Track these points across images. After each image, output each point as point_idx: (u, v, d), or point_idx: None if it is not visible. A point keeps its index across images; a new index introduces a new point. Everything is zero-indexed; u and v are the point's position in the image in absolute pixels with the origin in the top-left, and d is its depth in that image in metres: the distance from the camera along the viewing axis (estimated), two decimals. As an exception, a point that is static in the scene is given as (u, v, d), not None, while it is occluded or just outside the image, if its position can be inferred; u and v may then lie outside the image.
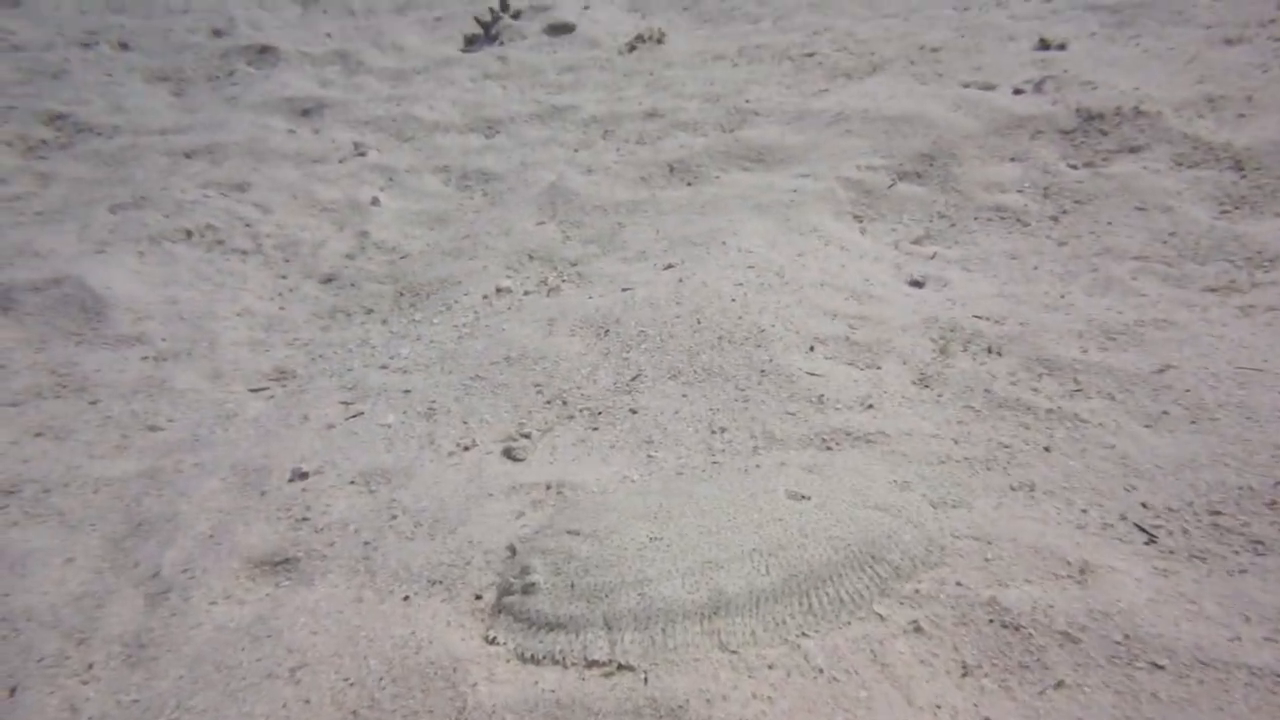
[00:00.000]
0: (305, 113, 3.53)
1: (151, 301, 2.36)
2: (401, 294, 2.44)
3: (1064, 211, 2.01)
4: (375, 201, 2.91)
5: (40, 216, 2.86)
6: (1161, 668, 1.01)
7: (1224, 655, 1.01)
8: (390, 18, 4.32)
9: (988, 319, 1.74)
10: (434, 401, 1.82)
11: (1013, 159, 2.22)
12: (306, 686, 1.13)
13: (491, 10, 3.96)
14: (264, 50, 4.01)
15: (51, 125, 3.50)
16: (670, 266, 2.15)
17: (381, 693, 1.11)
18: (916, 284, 1.98)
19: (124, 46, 4.12)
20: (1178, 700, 0.97)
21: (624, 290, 2.07)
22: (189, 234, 2.74)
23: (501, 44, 3.91)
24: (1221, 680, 0.98)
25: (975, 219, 2.11)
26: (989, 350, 1.65)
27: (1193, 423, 1.41)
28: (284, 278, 2.60)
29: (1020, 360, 1.58)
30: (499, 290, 2.32)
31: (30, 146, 3.39)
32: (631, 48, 3.60)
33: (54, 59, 3.97)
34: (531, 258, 2.43)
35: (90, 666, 1.26)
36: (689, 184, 2.67)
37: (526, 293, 2.27)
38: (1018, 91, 2.49)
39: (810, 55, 3.22)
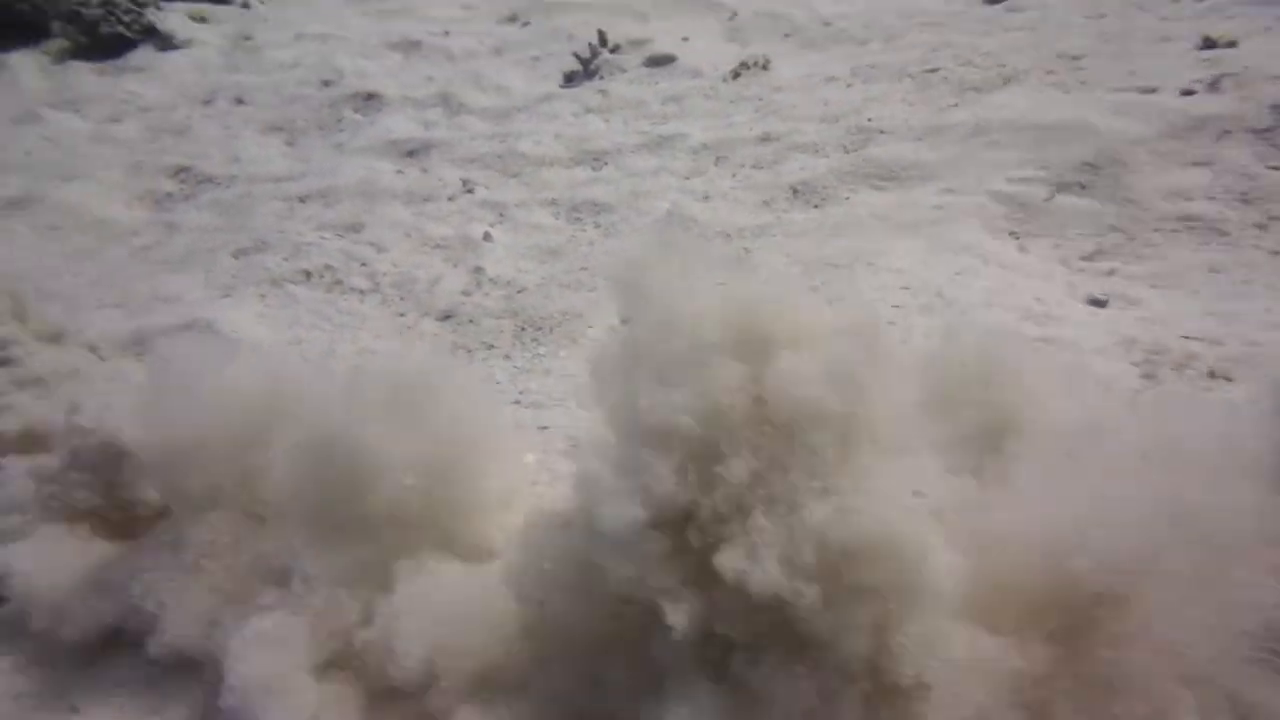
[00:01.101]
0: (412, 154, 3.56)
1: (277, 343, 2.34)
2: (522, 329, 2.36)
3: (1272, 218, 1.78)
4: (487, 237, 2.87)
5: (169, 264, 2.92)
6: None
7: None
8: (489, 59, 4.37)
9: (1202, 340, 1.52)
10: (575, 438, 1.71)
11: (1197, 164, 2.00)
12: None
13: (590, 46, 3.95)
14: (370, 97, 4.09)
15: (176, 178, 3.62)
16: (812, 289, 2.00)
17: None
18: (1098, 303, 1.78)
19: (240, 102, 4.27)
20: None
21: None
22: (308, 275, 2.74)
23: (601, 79, 3.89)
24: None
25: (1157, 231, 1.90)
26: (1212, 374, 1.44)
27: None
28: (402, 315, 2.56)
29: (1263, 385, 1.36)
30: (624, 321, 2.21)
31: (157, 199, 3.51)
32: (736, 75, 3.51)
33: (178, 117, 4.14)
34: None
35: None
36: (816, 206, 2.53)
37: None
38: (1187, 93, 2.27)
39: (933, 71, 3.05)
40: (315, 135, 3.94)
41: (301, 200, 3.32)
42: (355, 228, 3.01)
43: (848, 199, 2.48)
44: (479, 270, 2.72)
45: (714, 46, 3.94)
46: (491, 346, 2.31)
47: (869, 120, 2.86)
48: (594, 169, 3.20)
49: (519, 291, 2.55)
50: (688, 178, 2.93)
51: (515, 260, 2.75)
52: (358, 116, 4.00)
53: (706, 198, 2.69)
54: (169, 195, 3.54)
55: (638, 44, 4.03)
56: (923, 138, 2.63)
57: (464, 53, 4.45)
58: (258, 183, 3.51)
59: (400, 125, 3.81)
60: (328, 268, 2.76)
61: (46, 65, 4.79)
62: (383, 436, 1.24)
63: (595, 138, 3.37)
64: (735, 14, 4.18)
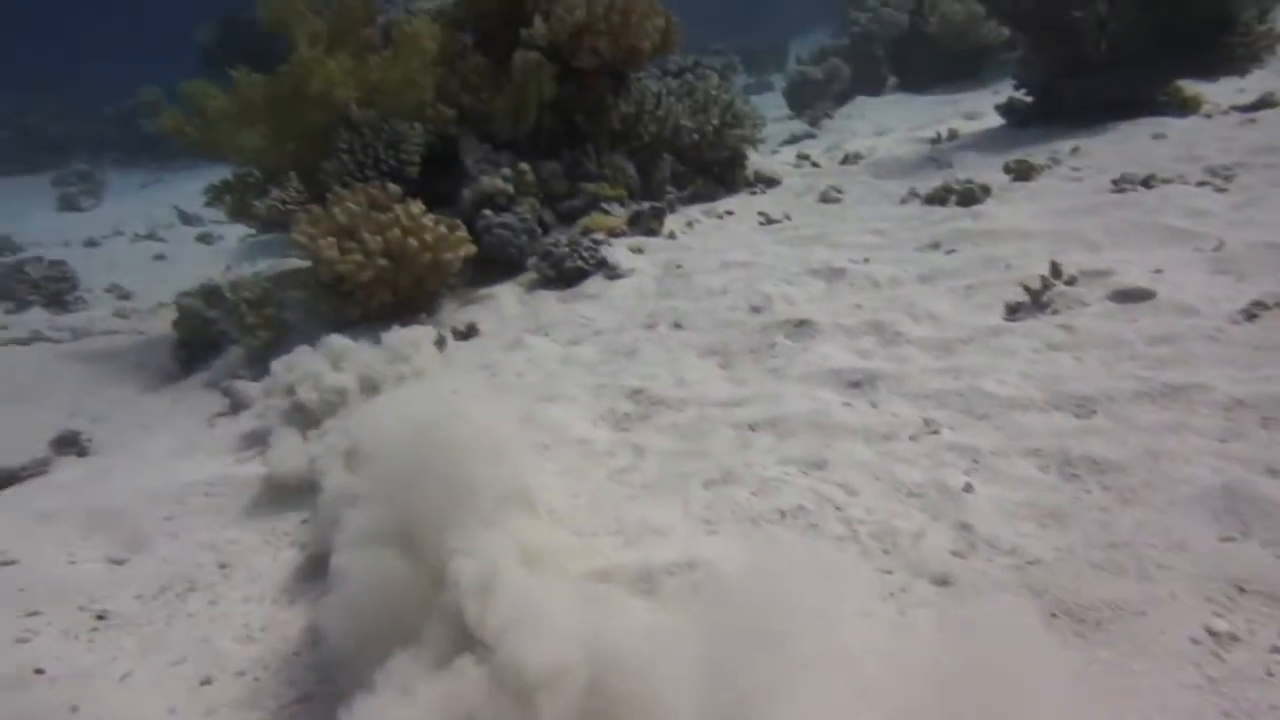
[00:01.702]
0: (855, 385, 3.57)
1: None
2: (1054, 615, 2.06)
3: None
4: (968, 488, 2.68)
5: (646, 489, 3.16)
6: None
7: None
8: (916, 287, 4.39)
9: None
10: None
11: None
12: None
13: (1041, 277, 3.77)
14: (800, 323, 4.28)
15: (633, 399, 4.03)
16: None
17: None
18: None
19: (677, 326, 4.74)
20: None
21: None
22: (783, 515, 2.75)
23: (1056, 312, 3.65)
24: None
25: None
26: None
27: None
28: (889, 573, 2.42)
29: None
30: (1214, 634, 1.81)
31: (618, 419, 3.91)
32: (1250, 316, 3.05)
33: (626, 340, 4.68)
34: (1243, 590, 1.91)
35: None
36: None
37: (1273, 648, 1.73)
38: None
39: None
40: (749, 360, 4.18)
41: (752, 428, 3.46)
42: (818, 464, 3.01)
43: None
44: (966, 527, 2.51)
45: (1200, 280, 3.52)
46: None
47: None
48: (1079, 416, 2.90)
49: (1031, 563, 2.28)
50: (1223, 440, 2.50)
51: (1009, 520, 2.50)
52: (789, 342, 4.19)
53: (1273, 472, 2.24)
54: (627, 415, 3.92)
55: (1096, 275, 3.76)
56: None
57: (888, 280, 4.54)
58: (706, 406, 3.75)
59: (836, 353, 3.90)
60: (800, 509, 2.75)
61: (521, 295, 5.82)
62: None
63: (1072, 379, 3.10)
64: (1222, 244, 3.75)
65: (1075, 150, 6.64)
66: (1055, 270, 3.76)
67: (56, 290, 8.64)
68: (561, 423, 3.82)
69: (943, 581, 2.32)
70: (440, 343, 4.53)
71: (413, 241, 5.17)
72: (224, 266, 9.73)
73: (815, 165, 8.77)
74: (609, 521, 2.94)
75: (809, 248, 5.44)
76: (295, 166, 6.08)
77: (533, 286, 5.91)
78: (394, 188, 5.52)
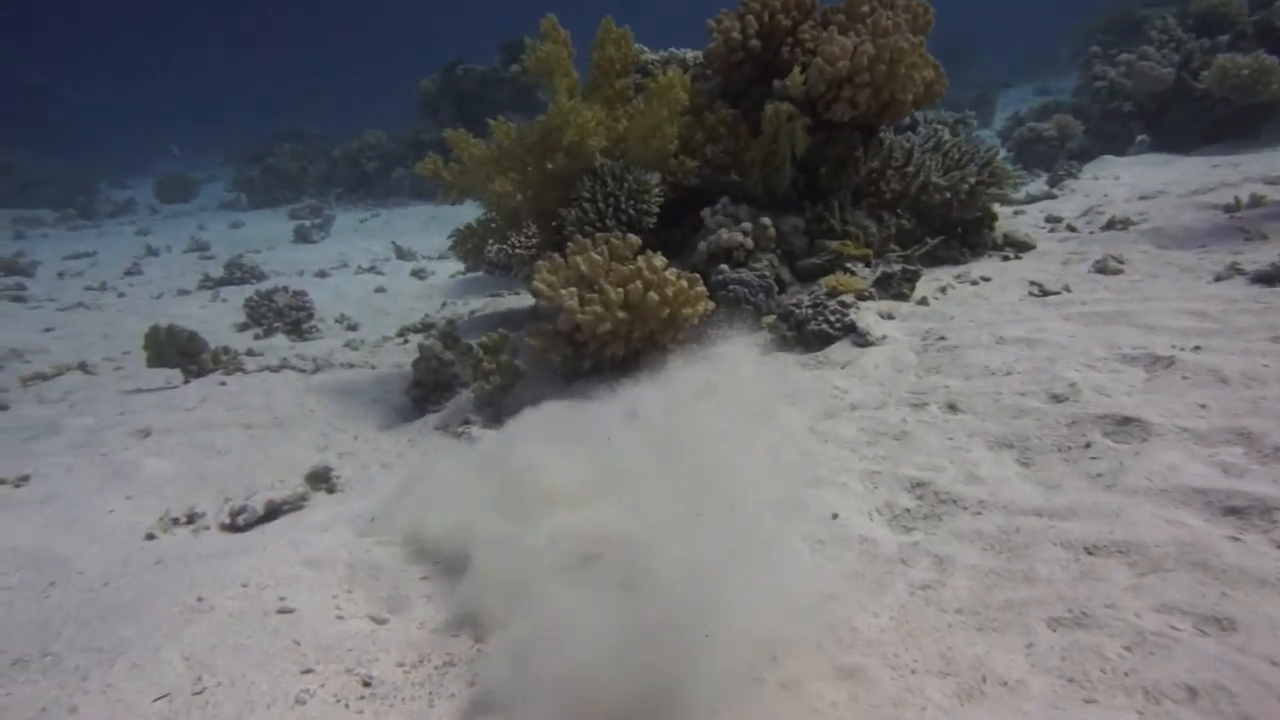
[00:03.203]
0: (1234, 511, 2.79)
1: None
2: None
3: None
4: None
5: (966, 617, 2.57)
6: None
7: None
8: (1284, 387, 3.51)
9: None
10: None
11: None
12: None
13: None
14: (1125, 421, 3.52)
15: (913, 492, 3.45)
16: None
17: None
18: None
19: (952, 408, 4.10)
20: None
21: None
22: (1193, 693, 2.07)
23: None
24: None
25: None
26: None
27: None
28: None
29: None
30: None
31: (898, 515, 3.34)
32: None
33: (891, 419, 4.11)
34: None
35: None
36: None
37: None
38: None
39: None
40: (1057, 459, 3.48)
41: (1090, 551, 2.78)
42: (1221, 623, 2.29)
43: None
44: None
45: None
46: None
47: None
48: None
49: None
50: None
51: None
52: (1111, 443, 3.44)
53: None
54: (908, 512, 3.34)
55: None
56: None
57: (1241, 376, 3.68)
58: (1015, 514, 3.11)
59: (1187, 465, 3.13)
60: (1220, 688, 2.06)
61: (757, 356, 5.40)
62: None
63: None
64: None
65: None
66: None
67: (296, 319, 9.30)
68: (835, 514, 3.31)
69: None
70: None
71: (653, 295, 4.92)
72: (440, 303, 10.14)
73: (1071, 230, 7.82)
74: (930, 658, 2.38)
75: (1109, 327, 4.63)
76: (536, 213, 6.08)
77: (768, 348, 5.49)
78: (633, 238, 5.33)
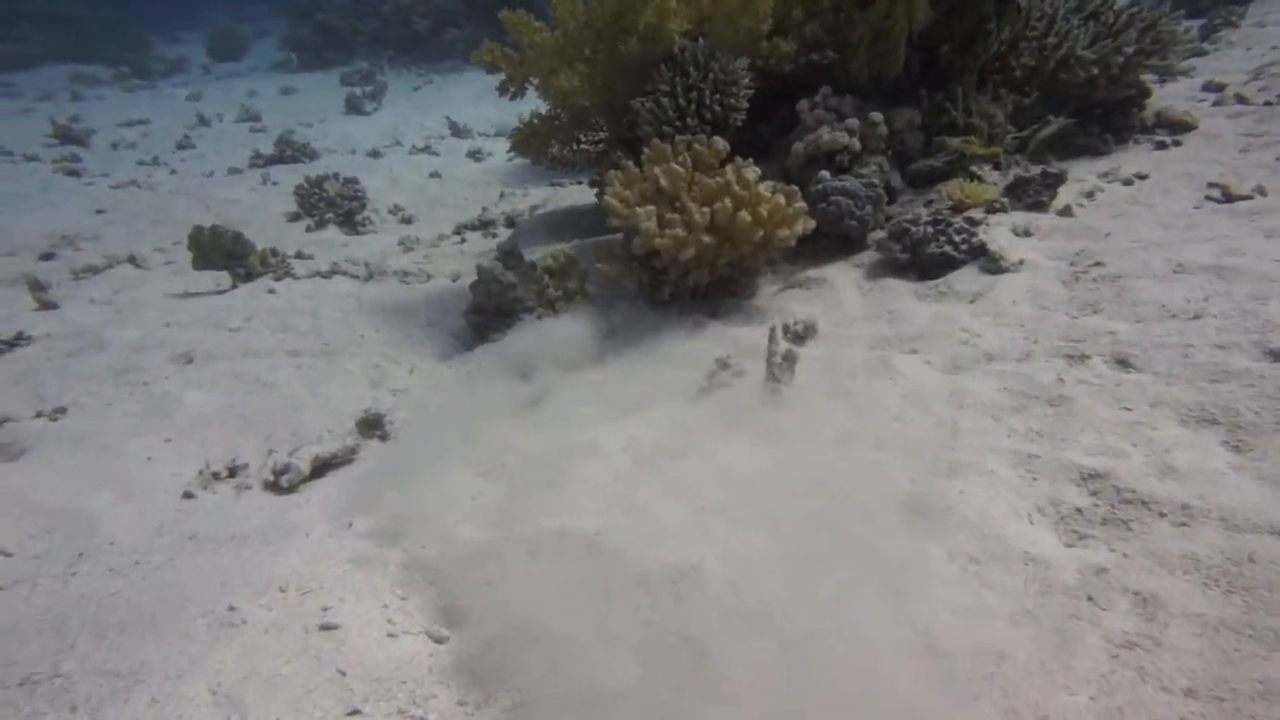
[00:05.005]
0: None
1: None
2: None
3: None
4: None
5: (1195, 700, 1.94)
6: None
7: None
8: None
9: None
10: None
11: None
12: None
13: None
14: (1374, 400, 2.71)
15: (1084, 486, 2.75)
16: None
17: None
18: None
19: (1123, 364, 3.31)
20: None
21: None
22: None
23: None
24: None
25: None
26: None
27: None
28: None
29: None
30: None
31: (1066, 518, 2.66)
32: None
33: (1044, 379, 3.35)
34: None
35: None
36: None
37: None
38: None
39: None
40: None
41: (1359, 601, 2.08)
42: None
43: None
44: None
45: None
46: None
47: None
48: None
49: None
50: None
51: None
52: (1359, 429, 2.66)
53: None
54: (1080, 514, 2.66)
55: None
56: None
57: None
58: (1242, 530, 2.39)
59: None
60: None
61: (861, 282, 4.62)
62: None
63: None
64: None
65: None
66: None
67: (349, 209, 8.76)
68: (985, 518, 2.66)
69: None
70: (788, 359, 3.48)
71: (745, 215, 4.14)
72: (498, 193, 9.51)
73: (1242, 100, 6.46)
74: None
75: (1329, 254, 3.68)
76: (605, 107, 5.24)
77: (875, 271, 4.68)
78: (720, 143, 4.49)
